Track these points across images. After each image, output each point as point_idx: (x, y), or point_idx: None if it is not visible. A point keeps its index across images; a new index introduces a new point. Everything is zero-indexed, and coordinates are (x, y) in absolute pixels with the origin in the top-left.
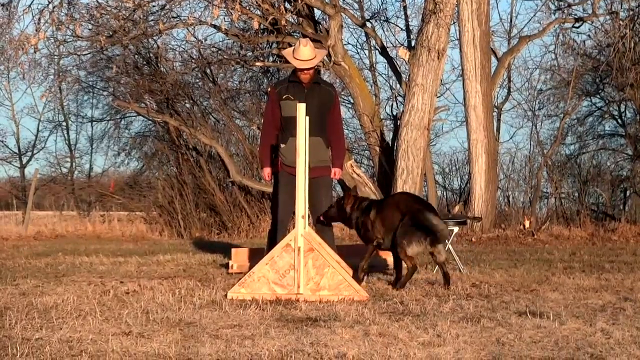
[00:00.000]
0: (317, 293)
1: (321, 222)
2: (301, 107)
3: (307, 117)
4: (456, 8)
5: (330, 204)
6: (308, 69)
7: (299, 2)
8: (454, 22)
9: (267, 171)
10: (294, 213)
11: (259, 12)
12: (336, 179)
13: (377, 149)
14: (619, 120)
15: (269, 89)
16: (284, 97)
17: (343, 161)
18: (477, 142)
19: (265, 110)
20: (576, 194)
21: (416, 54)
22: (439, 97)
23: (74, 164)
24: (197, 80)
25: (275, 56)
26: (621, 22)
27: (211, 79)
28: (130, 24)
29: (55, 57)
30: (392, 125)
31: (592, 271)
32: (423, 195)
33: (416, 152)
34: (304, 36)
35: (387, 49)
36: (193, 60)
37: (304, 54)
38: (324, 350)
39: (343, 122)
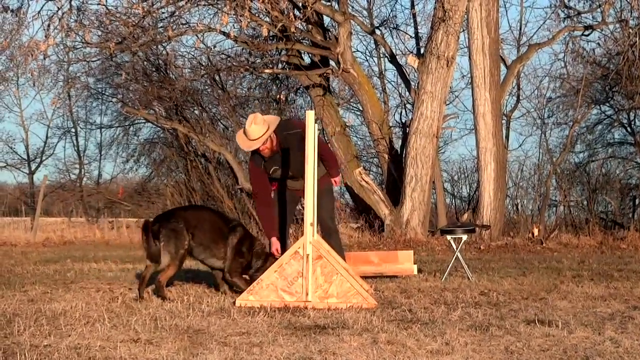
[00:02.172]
0: (326, 300)
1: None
2: (309, 115)
3: (295, 171)
4: (465, 16)
5: (333, 207)
6: (263, 146)
7: (309, 9)
8: (463, 30)
9: (275, 243)
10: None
11: (268, 19)
12: (337, 186)
13: (386, 156)
14: (629, 129)
15: (249, 165)
16: (263, 165)
17: (337, 169)
18: (486, 150)
19: (253, 180)
20: (585, 202)
21: (425, 61)
22: (448, 104)
23: (82, 170)
24: (206, 87)
25: (284, 63)
26: (631, 30)
27: (220, 86)
28: (139, 30)
29: (65, 63)
30: (401, 133)
31: (601, 280)
32: (432, 203)
33: (425, 160)
34: (313, 43)
35: (397, 57)
36: (202, 67)
37: (253, 134)
38: (332, 358)
39: (330, 146)
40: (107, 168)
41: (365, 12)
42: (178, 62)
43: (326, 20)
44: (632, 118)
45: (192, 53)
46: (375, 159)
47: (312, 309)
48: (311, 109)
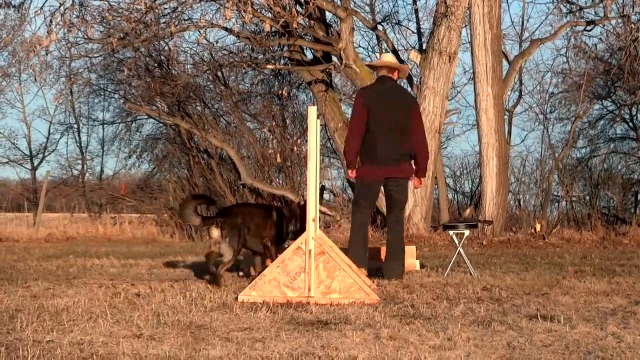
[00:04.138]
0: (328, 296)
1: None
2: (312, 111)
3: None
4: (468, 11)
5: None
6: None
7: (311, 5)
8: (465, 25)
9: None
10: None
11: (270, 15)
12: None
13: None
14: (630, 124)
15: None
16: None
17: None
18: (488, 145)
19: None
20: (587, 198)
21: (427, 57)
22: (450, 100)
23: (85, 166)
24: (209, 83)
25: (286, 59)
26: (633, 26)
27: (222, 82)
28: (141, 26)
29: (67, 59)
30: None
31: (603, 275)
32: (434, 198)
33: None
34: (315, 39)
35: (399, 52)
36: (204, 63)
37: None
38: (335, 354)
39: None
40: (110, 164)
41: (367, 8)
42: (180, 58)
43: (328, 16)
44: (634, 113)
45: (195, 49)
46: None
47: (315, 305)
48: (313, 105)
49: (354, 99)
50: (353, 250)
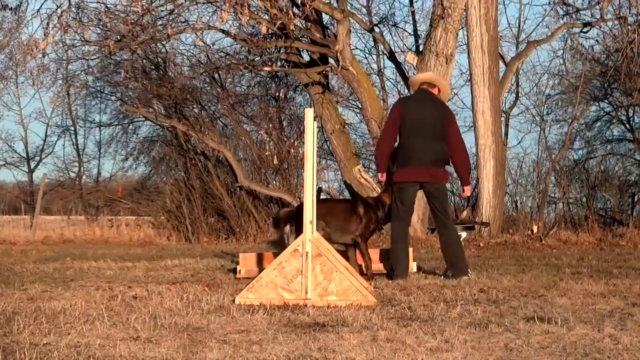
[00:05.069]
0: (325, 298)
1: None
2: (308, 113)
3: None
4: (464, 13)
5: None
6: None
7: (307, 7)
8: (462, 27)
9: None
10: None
11: (267, 17)
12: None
13: None
14: (627, 125)
15: (394, 107)
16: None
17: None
18: (485, 147)
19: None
20: (584, 199)
21: (424, 59)
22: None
23: (82, 168)
24: (205, 85)
25: (283, 61)
26: (629, 27)
27: (219, 84)
28: (138, 28)
29: (64, 61)
30: None
31: (600, 276)
32: None
33: None
34: (312, 41)
35: (395, 54)
36: (201, 65)
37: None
38: (332, 356)
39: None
40: (107, 166)
41: (364, 10)
42: (177, 60)
43: (325, 17)
44: (630, 115)
45: (192, 51)
46: (374, 157)
47: (312, 307)
48: (310, 107)
49: (391, 105)
50: (393, 259)
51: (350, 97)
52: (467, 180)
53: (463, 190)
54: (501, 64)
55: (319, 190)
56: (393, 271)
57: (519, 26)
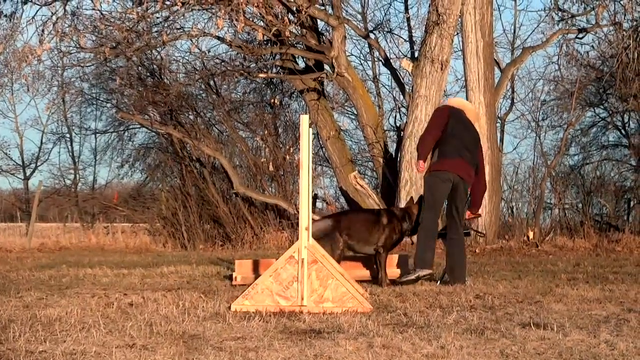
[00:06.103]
0: (321, 305)
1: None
2: (304, 119)
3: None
4: (459, 19)
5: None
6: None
7: (303, 13)
8: (457, 33)
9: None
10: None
11: (262, 24)
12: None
13: (381, 160)
14: (623, 131)
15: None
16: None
17: (480, 204)
18: None
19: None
20: (580, 205)
21: (419, 65)
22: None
23: (77, 175)
24: (201, 92)
25: (278, 68)
26: (625, 33)
27: (215, 91)
28: (134, 35)
29: (59, 68)
30: (395, 137)
31: (596, 282)
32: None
33: None
34: (307, 47)
35: (391, 60)
36: (197, 72)
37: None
38: None
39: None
40: (102, 173)
41: (359, 16)
42: (172, 66)
43: (320, 24)
44: (626, 120)
45: (187, 58)
46: (370, 163)
47: (308, 314)
48: (306, 113)
49: (437, 108)
50: (420, 251)
51: (345, 104)
52: (480, 203)
53: (470, 214)
54: (496, 70)
55: (315, 197)
56: (416, 265)
57: (514, 32)
